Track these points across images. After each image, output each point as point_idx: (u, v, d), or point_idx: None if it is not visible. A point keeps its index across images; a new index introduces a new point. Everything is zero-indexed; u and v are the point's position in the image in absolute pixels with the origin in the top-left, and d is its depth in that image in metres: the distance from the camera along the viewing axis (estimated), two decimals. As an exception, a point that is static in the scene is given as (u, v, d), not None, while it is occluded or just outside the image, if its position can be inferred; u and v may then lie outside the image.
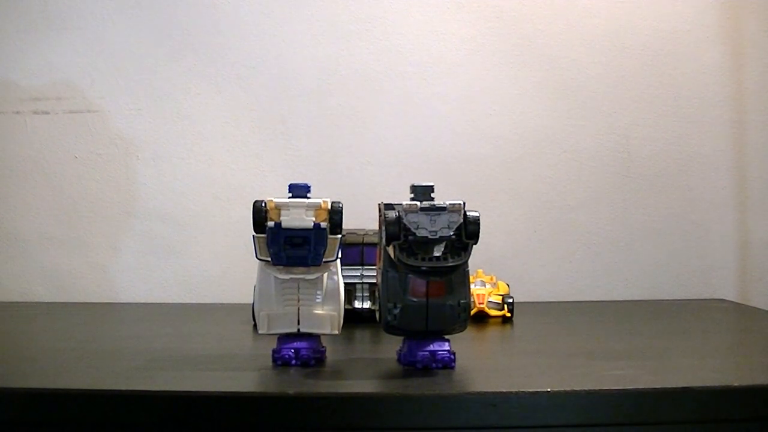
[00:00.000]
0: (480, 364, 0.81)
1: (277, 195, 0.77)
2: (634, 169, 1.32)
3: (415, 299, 0.74)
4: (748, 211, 1.33)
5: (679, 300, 1.29)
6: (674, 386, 0.68)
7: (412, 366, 0.75)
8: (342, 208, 0.76)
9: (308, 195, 0.76)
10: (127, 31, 1.29)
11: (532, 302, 1.20)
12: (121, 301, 1.27)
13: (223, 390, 0.68)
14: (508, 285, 1.12)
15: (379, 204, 0.76)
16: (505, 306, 1.07)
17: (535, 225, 1.31)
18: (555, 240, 1.31)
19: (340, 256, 0.77)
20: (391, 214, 0.72)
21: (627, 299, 1.29)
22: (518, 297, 1.10)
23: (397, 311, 0.74)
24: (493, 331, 1.01)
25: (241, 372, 0.76)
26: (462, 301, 0.74)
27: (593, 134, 1.31)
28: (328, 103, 1.30)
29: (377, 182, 1.28)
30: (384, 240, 0.73)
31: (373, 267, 1.00)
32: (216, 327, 1.05)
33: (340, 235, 0.76)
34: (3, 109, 1.29)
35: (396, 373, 0.74)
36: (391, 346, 0.80)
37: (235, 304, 1.16)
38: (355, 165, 1.29)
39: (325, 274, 0.76)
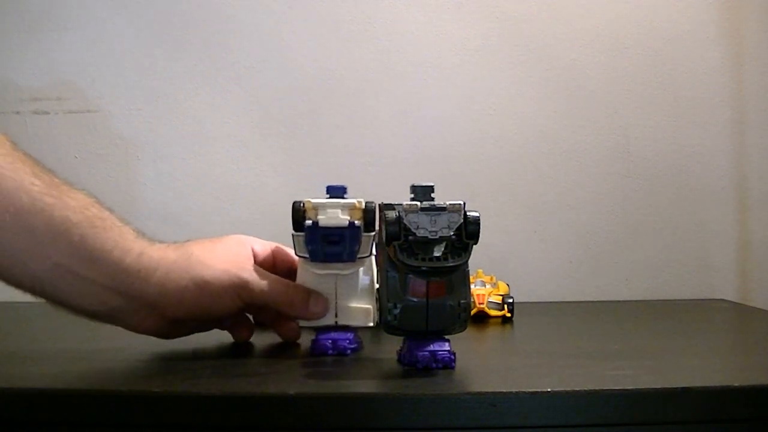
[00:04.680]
0: (480, 364, 0.81)
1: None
2: (634, 169, 1.32)
3: (415, 299, 0.73)
4: (748, 211, 1.33)
5: (679, 300, 1.29)
6: (674, 386, 0.68)
7: (412, 366, 0.75)
8: (375, 207, 0.79)
9: (345, 196, 0.81)
10: (127, 31, 1.29)
11: (532, 302, 1.20)
12: (121, 301, 1.27)
13: (223, 390, 0.68)
14: (508, 285, 1.12)
15: (379, 204, 0.76)
16: (505, 306, 1.07)
17: (535, 225, 1.31)
18: (555, 240, 1.31)
19: (374, 252, 0.81)
20: (391, 214, 0.72)
21: (627, 299, 1.29)
22: (518, 297, 1.09)
23: (397, 311, 0.73)
24: (493, 331, 1.01)
25: (242, 372, 0.76)
26: (462, 301, 0.74)
27: (593, 134, 1.31)
28: (328, 103, 1.30)
29: (377, 182, 1.28)
30: (384, 240, 0.73)
31: (373, 267, 1.00)
32: (216, 327, 1.05)
33: (373, 233, 0.80)
34: (3, 109, 1.28)
35: (396, 373, 0.74)
36: (391, 346, 0.80)
37: (235, 304, 1.15)
38: (355, 165, 1.29)
39: (360, 269, 0.81)
